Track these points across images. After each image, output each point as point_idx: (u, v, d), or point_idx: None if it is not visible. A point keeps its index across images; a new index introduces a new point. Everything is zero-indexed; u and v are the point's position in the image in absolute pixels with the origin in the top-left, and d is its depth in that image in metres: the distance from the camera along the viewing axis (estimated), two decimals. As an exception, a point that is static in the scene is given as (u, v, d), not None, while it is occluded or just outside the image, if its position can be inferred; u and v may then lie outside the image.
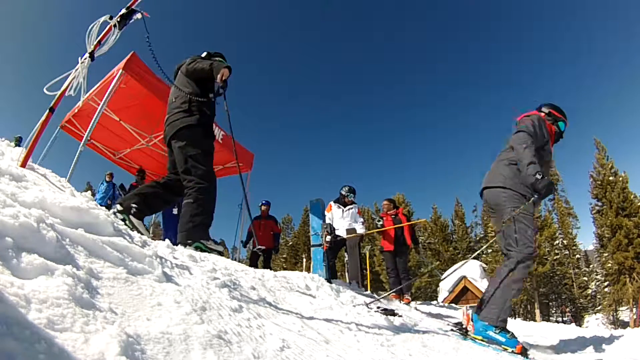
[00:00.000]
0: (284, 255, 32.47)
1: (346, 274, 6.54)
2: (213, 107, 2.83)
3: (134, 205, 2.50)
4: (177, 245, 2.27)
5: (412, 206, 26.52)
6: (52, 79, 2.38)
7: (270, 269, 4.94)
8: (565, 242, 24.59)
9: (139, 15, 2.53)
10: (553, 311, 26.53)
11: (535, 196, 2.32)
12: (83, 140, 4.22)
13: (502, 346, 2.24)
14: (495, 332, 2.26)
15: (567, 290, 25.53)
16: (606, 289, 22.22)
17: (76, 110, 5.40)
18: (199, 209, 2.48)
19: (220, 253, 2.39)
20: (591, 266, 26.67)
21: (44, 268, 0.80)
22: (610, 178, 20.06)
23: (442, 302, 11.80)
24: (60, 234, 1.00)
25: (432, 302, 6.82)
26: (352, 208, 5.65)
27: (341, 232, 5.43)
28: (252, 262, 6.75)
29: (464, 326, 2.50)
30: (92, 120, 4.32)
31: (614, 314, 19.98)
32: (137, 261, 1.19)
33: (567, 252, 25.12)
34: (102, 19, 2.48)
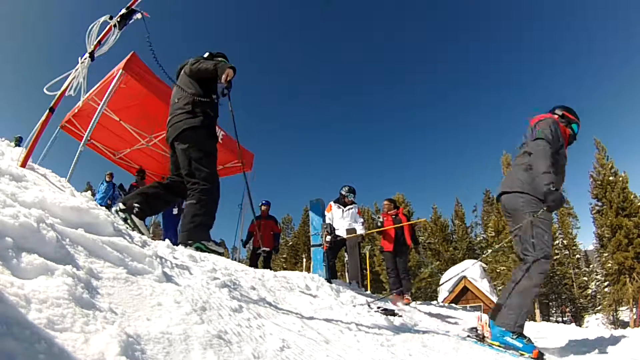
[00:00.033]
0: (284, 255, 32.47)
1: (346, 274, 6.54)
2: (216, 108, 2.82)
3: (136, 205, 2.51)
4: (177, 245, 2.27)
5: (412, 206, 26.52)
6: (52, 79, 2.38)
7: (270, 269, 4.94)
8: (565, 242, 24.59)
9: (139, 15, 2.53)
10: (553, 311, 26.54)
11: (544, 207, 2.32)
12: (83, 140, 4.22)
13: (519, 352, 2.23)
14: (512, 338, 2.25)
15: (567, 290, 25.53)
16: (606, 289, 22.21)
17: (76, 110, 5.40)
18: (201, 210, 2.48)
19: (220, 254, 2.40)
20: (591, 266, 26.67)
21: (44, 268, 0.80)
22: (610, 178, 20.07)
23: (442, 302, 11.80)
24: (60, 234, 1.00)
25: (432, 302, 6.82)
26: (352, 208, 5.65)
27: (341, 232, 5.43)
28: (252, 262, 6.75)
29: (479, 332, 2.49)
30: (92, 120, 4.32)
31: (614, 314, 19.98)
32: (137, 261, 1.19)
33: (567, 252, 25.13)
34: (102, 19, 2.48)
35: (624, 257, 18.08)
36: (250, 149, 7.10)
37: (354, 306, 2.52)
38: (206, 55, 2.98)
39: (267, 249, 6.66)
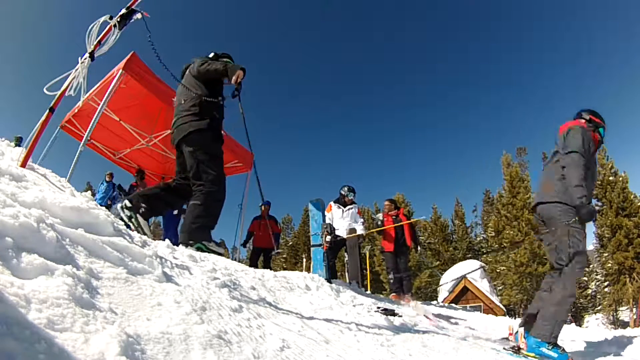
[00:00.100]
0: (284, 255, 32.47)
1: (346, 274, 6.54)
2: (222, 110, 2.81)
3: (143, 205, 2.51)
4: (178, 245, 2.27)
5: (412, 206, 26.51)
6: (52, 79, 2.38)
7: (270, 269, 4.93)
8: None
9: (139, 15, 2.53)
10: (553, 311, 26.51)
11: (576, 218, 2.34)
12: (83, 140, 4.22)
13: None
14: (548, 349, 2.26)
15: (567, 290, 25.49)
16: (606, 289, 22.21)
17: (76, 110, 5.40)
18: (204, 211, 2.48)
19: (220, 254, 2.40)
20: (591, 266, 26.66)
21: (44, 268, 0.81)
22: (610, 178, 20.07)
23: (442, 302, 11.81)
24: (60, 234, 1.00)
25: (432, 302, 6.82)
26: (352, 208, 5.65)
27: (341, 232, 5.43)
28: (252, 262, 6.75)
29: (510, 340, 2.49)
30: (92, 120, 4.32)
31: (614, 314, 19.98)
32: (137, 261, 1.19)
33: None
34: (102, 19, 2.48)
35: (624, 257, 18.08)
36: (246, 147, 7.10)
37: (354, 306, 2.52)
38: (211, 55, 2.96)
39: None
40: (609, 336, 3.27)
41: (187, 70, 2.87)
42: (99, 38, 2.46)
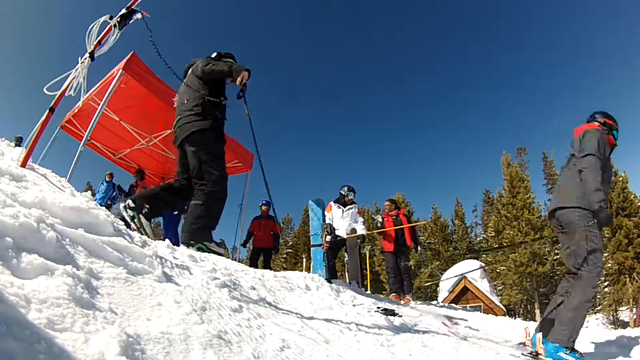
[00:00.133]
0: (284, 255, 32.48)
1: (346, 274, 6.54)
2: (224, 111, 2.81)
3: (147, 205, 2.51)
4: (178, 245, 2.27)
5: (412, 206, 26.51)
6: (52, 79, 2.38)
7: (270, 269, 4.93)
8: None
9: (139, 15, 2.53)
10: (553, 311, 26.53)
11: (594, 222, 2.35)
12: (83, 140, 4.22)
13: None
14: (566, 353, 2.26)
15: (567, 290, 25.50)
16: (606, 289, 22.21)
17: (76, 110, 5.40)
18: (206, 212, 2.48)
19: (220, 254, 2.40)
20: (591, 266, 26.63)
21: (44, 268, 0.81)
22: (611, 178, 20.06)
23: (442, 302, 11.81)
24: (60, 234, 1.00)
25: (432, 302, 6.82)
26: (352, 208, 5.65)
27: (341, 232, 5.43)
28: (252, 262, 6.75)
29: (526, 346, 2.49)
30: (92, 120, 4.32)
31: (614, 314, 19.99)
32: (137, 261, 1.19)
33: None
34: (102, 19, 2.48)
35: (624, 257, 18.08)
36: (250, 148, 7.10)
37: (354, 306, 2.52)
38: (214, 55, 2.95)
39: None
40: (609, 336, 3.27)
41: (190, 70, 2.86)
42: (99, 38, 2.46)
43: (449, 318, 3.91)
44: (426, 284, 21.21)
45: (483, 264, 18.79)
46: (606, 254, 20.65)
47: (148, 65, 5.01)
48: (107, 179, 7.59)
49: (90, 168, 17.73)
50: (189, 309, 1.05)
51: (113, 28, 2.48)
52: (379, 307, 2.69)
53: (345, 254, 5.90)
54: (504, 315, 13.24)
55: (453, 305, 7.70)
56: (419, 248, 6.25)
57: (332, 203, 5.70)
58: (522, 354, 2.46)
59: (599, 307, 22.96)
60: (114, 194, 7.44)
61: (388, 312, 2.56)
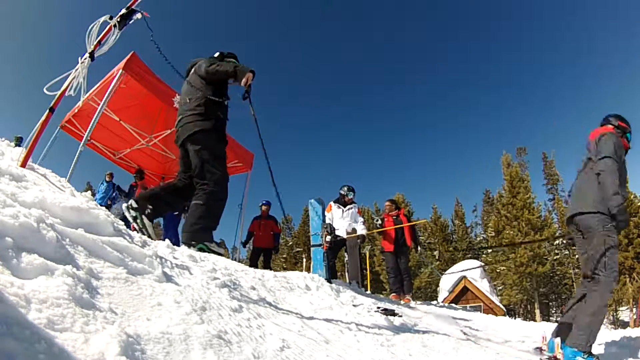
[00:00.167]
0: (284, 255, 32.48)
1: (346, 274, 6.54)
2: (226, 111, 2.80)
3: (150, 206, 2.51)
4: (179, 244, 2.28)
5: (412, 206, 26.52)
6: (52, 79, 2.38)
7: (270, 269, 4.93)
8: (565, 242, 24.58)
9: (138, 15, 2.53)
10: (553, 311, 26.53)
11: (613, 224, 2.37)
12: (83, 140, 4.22)
13: None
14: (583, 357, 2.27)
15: (567, 290, 25.51)
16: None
17: (76, 110, 5.40)
18: (207, 212, 2.48)
19: (221, 254, 2.40)
20: (591, 266, 26.63)
21: (44, 268, 0.81)
22: (610, 178, 20.05)
23: (442, 302, 11.81)
24: (60, 234, 1.00)
25: (432, 302, 6.82)
26: (352, 208, 5.65)
27: (341, 232, 5.43)
28: (252, 262, 6.75)
29: (543, 350, 2.50)
30: (92, 120, 4.32)
31: (614, 314, 19.98)
32: (137, 261, 1.19)
33: (567, 252, 25.13)
34: (102, 19, 2.48)
35: (624, 257, 18.08)
36: (250, 148, 7.10)
37: (354, 306, 2.52)
38: (216, 55, 2.95)
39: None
40: (609, 336, 3.27)
41: (193, 70, 2.85)
42: (99, 38, 2.46)
43: (443, 316, 3.91)
44: (426, 284, 21.20)
45: (483, 264, 18.77)
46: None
47: (148, 65, 5.01)
48: (107, 179, 7.58)
49: (90, 168, 17.76)
50: (189, 309, 1.05)
51: (113, 28, 2.48)
52: (379, 307, 2.69)
53: (345, 254, 5.90)
54: (504, 315, 13.23)
55: (453, 305, 7.70)
56: (419, 248, 6.25)
57: (332, 203, 5.70)
58: (541, 359, 2.47)
59: (599, 307, 22.93)
60: (114, 194, 7.45)
61: (388, 312, 2.56)
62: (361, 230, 5.47)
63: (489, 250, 21.85)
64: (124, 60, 4.69)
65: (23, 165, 2.11)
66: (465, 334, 2.84)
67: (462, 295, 16.10)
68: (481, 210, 30.38)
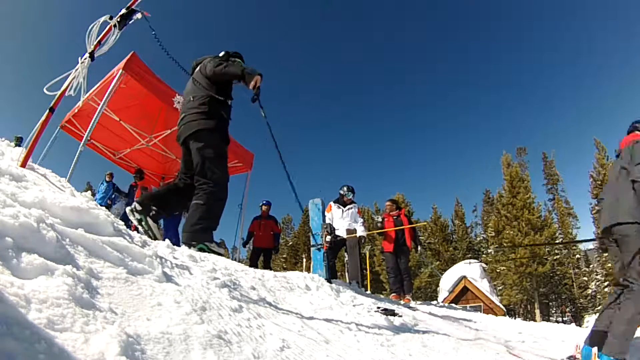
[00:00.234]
0: (284, 255, 32.48)
1: (346, 274, 6.54)
2: (230, 111, 2.80)
3: (154, 208, 2.51)
4: (179, 244, 2.28)
5: (412, 206, 26.54)
6: (52, 79, 2.38)
7: (270, 269, 4.93)
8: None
9: (139, 15, 2.53)
10: (553, 311, 26.56)
11: None
12: (83, 140, 4.22)
13: None
14: None
15: (567, 290, 25.55)
16: (606, 289, 22.23)
17: (76, 110, 5.40)
18: (207, 212, 2.48)
19: (221, 255, 2.40)
20: (591, 266, 26.68)
21: (44, 268, 0.80)
22: (611, 178, 20.05)
23: (442, 302, 11.80)
24: (60, 234, 1.00)
25: (432, 302, 6.82)
26: (351, 208, 5.65)
27: (341, 232, 5.43)
28: (252, 262, 6.75)
29: (577, 359, 2.50)
30: (92, 120, 4.32)
31: (614, 314, 19.98)
32: (137, 261, 1.19)
33: (567, 252, 25.14)
34: (102, 19, 2.48)
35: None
36: (250, 149, 7.10)
37: (354, 306, 2.52)
38: (222, 54, 2.93)
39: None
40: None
41: (198, 68, 2.84)
42: (99, 38, 2.46)
43: (443, 316, 3.91)
44: (426, 284, 21.21)
45: (483, 264, 18.77)
46: (606, 254, 20.64)
47: (148, 65, 5.02)
48: (107, 179, 7.59)
49: (90, 168, 17.80)
50: (189, 309, 1.05)
51: (113, 28, 2.48)
52: (379, 307, 2.69)
53: (345, 254, 5.91)
54: (504, 315, 13.23)
55: (453, 305, 7.69)
56: (419, 248, 6.25)
57: (332, 203, 5.70)
58: None
59: (599, 307, 22.94)
60: (114, 194, 7.45)
61: (388, 312, 2.56)
62: (361, 231, 5.47)
63: (489, 250, 21.84)
64: (124, 60, 4.69)
65: (23, 165, 2.11)
66: (465, 334, 2.84)
67: (462, 295, 16.10)
68: (481, 210, 30.43)
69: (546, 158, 29.94)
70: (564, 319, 23.85)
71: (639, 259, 2.34)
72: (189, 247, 2.22)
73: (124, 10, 2.51)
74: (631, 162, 2.47)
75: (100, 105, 4.44)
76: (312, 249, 4.81)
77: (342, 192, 5.71)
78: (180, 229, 4.96)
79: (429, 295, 22.33)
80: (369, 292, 5.49)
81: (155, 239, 2.25)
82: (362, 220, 5.70)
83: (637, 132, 2.70)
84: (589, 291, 24.93)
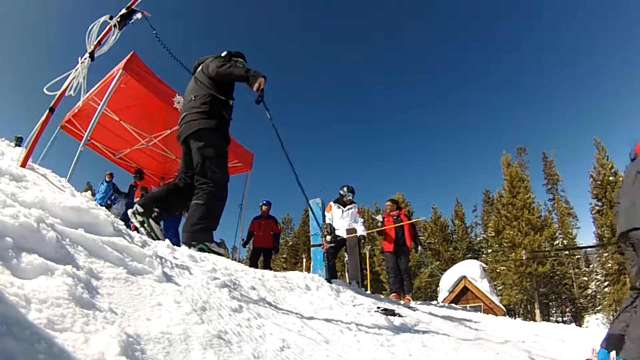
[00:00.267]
0: (284, 255, 32.48)
1: (346, 274, 6.54)
2: (231, 111, 2.79)
3: (156, 209, 2.51)
4: (179, 244, 2.27)
5: (412, 206, 26.53)
6: (52, 79, 2.39)
7: (270, 269, 4.93)
8: (565, 242, 24.60)
9: (139, 15, 2.54)
10: (553, 311, 26.56)
11: None
12: (83, 140, 4.22)
13: None
14: None
15: (567, 290, 25.56)
16: (606, 289, 22.22)
17: (76, 110, 5.40)
18: (207, 212, 2.48)
19: (221, 255, 2.40)
20: (591, 266, 26.70)
21: (44, 268, 0.80)
22: (610, 178, 20.08)
23: (442, 302, 11.80)
24: (60, 234, 1.00)
25: (432, 302, 6.82)
26: (351, 208, 5.65)
27: (341, 232, 5.43)
28: (252, 262, 6.75)
29: None
30: (92, 120, 4.32)
31: (614, 314, 19.97)
32: (137, 261, 1.19)
33: (567, 252, 25.13)
34: (102, 19, 2.49)
35: (625, 257, 18.08)
36: (250, 148, 7.10)
37: (354, 306, 2.52)
38: (224, 54, 2.93)
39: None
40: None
41: (200, 68, 2.83)
42: (99, 38, 2.46)
43: (443, 316, 3.91)
44: (426, 284, 21.20)
45: (483, 264, 18.76)
46: (606, 254, 20.67)
47: (148, 65, 5.02)
48: (107, 179, 7.59)
49: (90, 168, 17.81)
50: (189, 309, 1.05)
51: (113, 28, 2.48)
52: (379, 307, 2.69)
53: (345, 254, 5.91)
54: (504, 315, 13.23)
55: (453, 305, 7.70)
56: (419, 248, 6.24)
57: (332, 203, 5.70)
58: None
59: (599, 307, 22.97)
60: (113, 194, 7.45)
61: (388, 312, 2.56)
62: (361, 231, 5.47)
63: (489, 250, 21.84)
64: (124, 60, 4.69)
65: (23, 165, 2.11)
66: (465, 334, 2.84)
67: (462, 295, 16.10)
68: (481, 210, 30.44)
69: (546, 158, 29.97)
70: (564, 319, 23.85)
71: None
72: (189, 247, 2.22)
73: (124, 10, 2.51)
74: None
75: (100, 105, 4.45)
76: (312, 249, 4.81)
77: (342, 192, 5.71)
78: (181, 229, 4.96)
79: (429, 295, 22.33)
80: (369, 292, 5.49)
81: (159, 239, 2.25)
82: (362, 220, 5.71)
83: None
84: (589, 291, 24.94)
